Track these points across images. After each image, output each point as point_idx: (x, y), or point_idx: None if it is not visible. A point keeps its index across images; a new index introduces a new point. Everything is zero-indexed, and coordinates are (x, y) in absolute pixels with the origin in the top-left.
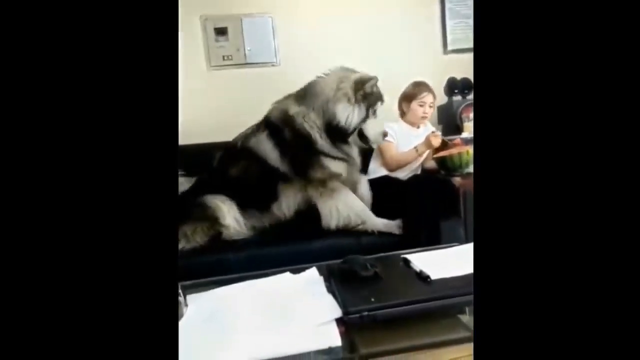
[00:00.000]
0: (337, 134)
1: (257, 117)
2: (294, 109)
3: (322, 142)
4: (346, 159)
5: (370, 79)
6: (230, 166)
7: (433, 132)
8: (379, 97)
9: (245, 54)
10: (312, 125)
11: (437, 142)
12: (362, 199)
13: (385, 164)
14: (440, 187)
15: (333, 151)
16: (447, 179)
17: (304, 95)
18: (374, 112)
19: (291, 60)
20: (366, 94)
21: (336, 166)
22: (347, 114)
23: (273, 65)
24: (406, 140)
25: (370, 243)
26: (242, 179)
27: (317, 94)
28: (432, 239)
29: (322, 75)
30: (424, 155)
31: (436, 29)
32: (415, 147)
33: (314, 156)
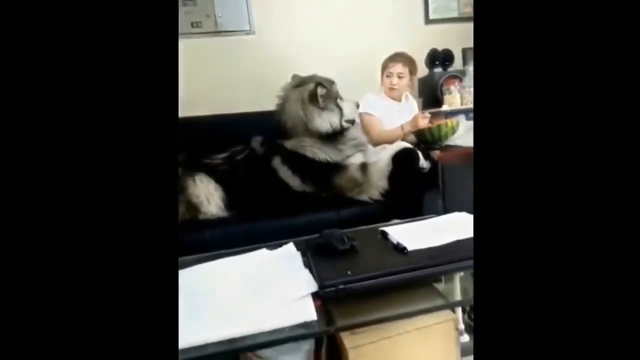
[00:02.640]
0: (333, 138)
1: (232, 91)
2: (289, 144)
3: (327, 156)
4: (350, 154)
5: (317, 86)
6: (256, 180)
7: (423, 112)
8: (335, 90)
9: (216, 21)
10: (314, 151)
11: (424, 123)
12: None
13: (371, 139)
14: (426, 166)
15: (337, 154)
16: (427, 152)
17: (285, 129)
18: (341, 98)
19: (267, 29)
20: (323, 96)
21: (355, 158)
22: (327, 121)
23: (247, 34)
24: (386, 114)
25: (350, 216)
26: (267, 196)
27: (292, 123)
28: (414, 212)
29: (279, 103)
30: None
31: None
32: (401, 125)
33: (333, 167)
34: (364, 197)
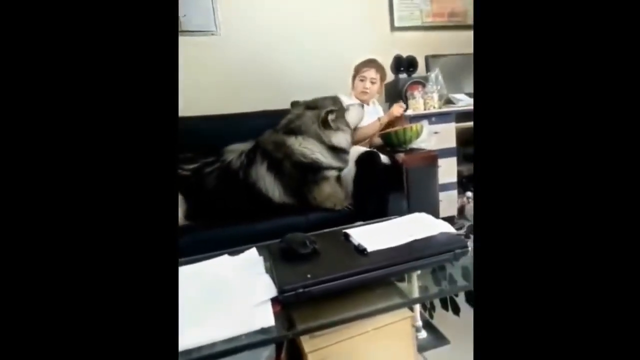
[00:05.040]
0: (339, 151)
1: (197, 93)
2: (290, 140)
3: (324, 159)
4: (342, 166)
5: (327, 114)
6: (229, 195)
7: (398, 102)
8: (342, 109)
9: (179, 21)
10: (312, 150)
11: (399, 111)
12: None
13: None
14: (388, 163)
15: (334, 162)
16: (392, 155)
17: (292, 129)
18: (347, 109)
19: (234, 31)
20: (333, 120)
21: (332, 172)
22: (342, 139)
23: (213, 35)
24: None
25: (318, 220)
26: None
27: (305, 129)
28: (379, 213)
29: (297, 112)
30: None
31: (384, 6)
32: (378, 117)
33: (319, 174)
34: (339, 207)
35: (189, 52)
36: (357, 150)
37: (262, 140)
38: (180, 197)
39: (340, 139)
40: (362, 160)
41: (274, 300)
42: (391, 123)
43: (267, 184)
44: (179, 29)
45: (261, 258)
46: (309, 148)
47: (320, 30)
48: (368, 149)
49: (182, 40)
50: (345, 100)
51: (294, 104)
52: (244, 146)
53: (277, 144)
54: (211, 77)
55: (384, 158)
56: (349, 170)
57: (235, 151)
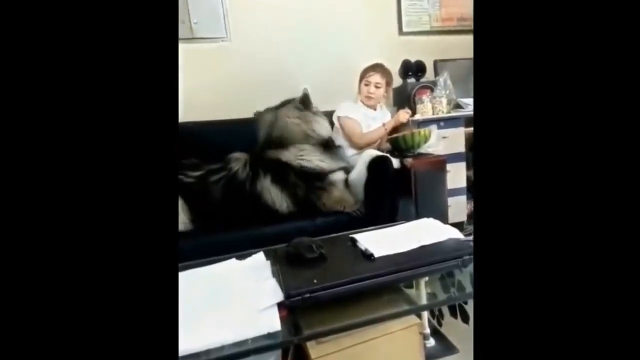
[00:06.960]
0: (328, 146)
1: (207, 101)
2: (285, 155)
3: (325, 164)
4: (344, 165)
5: (305, 92)
6: (235, 203)
7: (404, 109)
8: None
9: (191, 28)
10: (310, 159)
11: (405, 117)
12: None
13: (354, 143)
14: (397, 168)
15: (335, 164)
16: (401, 160)
17: (280, 142)
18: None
19: (244, 36)
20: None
21: (338, 175)
22: (324, 126)
23: (223, 41)
24: (363, 119)
25: (326, 224)
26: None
27: (289, 134)
28: (389, 218)
29: (267, 124)
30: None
31: (392, 10)
32: (383, 123)
33: (325, 179)
34: (349, 210)
35: (201, 58)
36: (369, 154)
37: (258, 154)
38: (184, 204)
39: (321, 126)
40: (373, 164)
41: (280, 305)
42: (396, 129)
43: (274, 196)
44: (191, 36)
45: (268, 262)
46: (305, 159)
47: (329, 35)
48: (380, 154)
49: (194, 47)
50: (352, 104)
51: (257, 114)
52: (248, 155)
53: (272, 159)
54: (222, 83)
55: (395, 162)
56: (360, 175)
57: (241, 159)
